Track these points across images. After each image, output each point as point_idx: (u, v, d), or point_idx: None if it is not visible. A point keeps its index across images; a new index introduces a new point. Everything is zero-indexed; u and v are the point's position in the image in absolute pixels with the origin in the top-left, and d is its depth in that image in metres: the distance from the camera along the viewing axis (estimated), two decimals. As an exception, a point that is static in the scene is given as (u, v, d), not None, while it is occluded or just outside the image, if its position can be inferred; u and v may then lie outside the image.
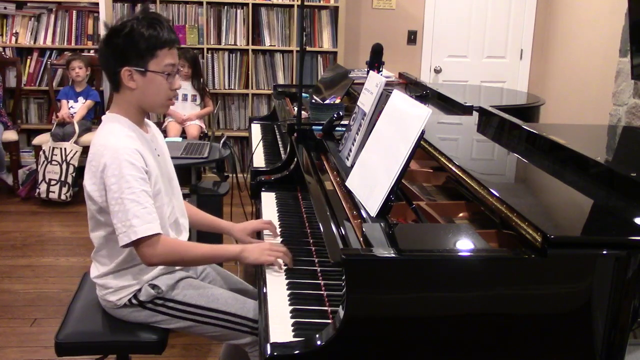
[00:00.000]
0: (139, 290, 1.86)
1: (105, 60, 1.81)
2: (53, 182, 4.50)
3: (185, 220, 1.99)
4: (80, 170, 4.64)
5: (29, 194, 4.71)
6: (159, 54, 1.77)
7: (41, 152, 4.54)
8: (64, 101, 4.73)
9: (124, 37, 1.74)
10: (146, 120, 1.92)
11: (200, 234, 2.76)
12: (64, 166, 4.49)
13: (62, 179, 4.50)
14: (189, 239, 2.02)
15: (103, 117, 1.87)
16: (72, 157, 4.51)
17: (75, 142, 4.56)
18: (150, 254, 1.72)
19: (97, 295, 1.94)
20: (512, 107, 3.21)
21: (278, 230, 2.04)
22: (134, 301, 1.86)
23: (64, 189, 4.51)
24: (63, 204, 4.54)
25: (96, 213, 1.81)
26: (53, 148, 4.51)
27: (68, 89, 4.79)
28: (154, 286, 1.86)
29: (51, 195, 4.51)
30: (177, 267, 1.93)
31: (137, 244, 1.71)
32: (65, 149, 4.50)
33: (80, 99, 4.75)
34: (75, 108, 4.72)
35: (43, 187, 4.51)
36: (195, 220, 2.11)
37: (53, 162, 4.51)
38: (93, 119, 4.92)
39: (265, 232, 2.02)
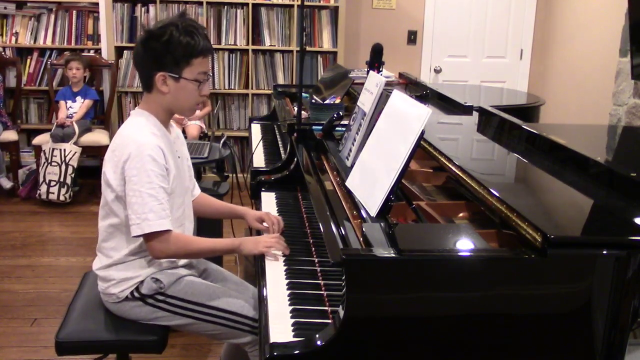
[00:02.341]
0: (141, 282, 1.87)
1: (140, 62, 1.86)
2: (53, 183, 4.51)
3: (190, 224, 2.02)
4: (80, 171, 4.65)
5: (29, 194, 4.71)
6: (194, 63, 1.81)
7: (42, 153, 4.55)
8: (62, 102, 4.73)
9: (162, 43, 1.78)
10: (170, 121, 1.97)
11: (200, 228, 2.77)
12: (63, 167, 4.49)
13: (61, 179, 4.50)
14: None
15: (132, 112, 1.91)
16: (71, 158, 4.51)
17: (75, 143, 4.55)
18: (159, 248, 1.79)
19: (99, 292, 1.95)
20: (512, 107, 3.21)
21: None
22: (135, 294, 1.87)
23: (63, 190, 4.51)
24: (63, 204, 4.54)
25: (111, 201, 1.84)
26: (53, 149, 4.51)
27: (65, 89, 4.78)
28: (156, 280, 1.87)
29: (51, 197, 4.52)
30: (180, 264, 1.96)
31: (148, 237, 1.77)
32: (64, 150, 4.50)
33: (79, 99, 4.74)
34: (74, 108, 4.72)
35: (44, 188, 4.52)
36: (213, 208, 2.18)
37: (53, 163, 4.51)
38: (93, 118, 4.92)
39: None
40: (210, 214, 2.20)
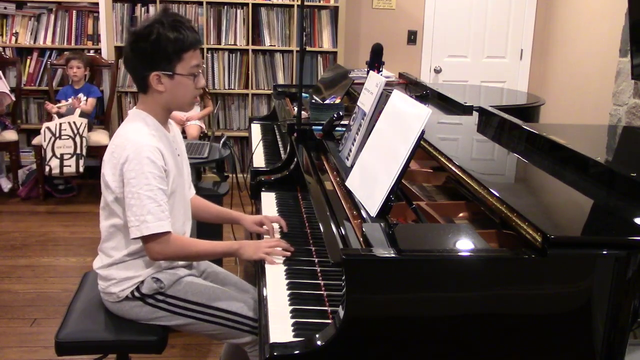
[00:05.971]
0: (142, 282, 1.87)
1: (132, 65, 1.85)
2: (67, 156, 4.36)
3: (189, 222, 2.02)
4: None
5: (29, 194, 4.70)
6: (185, 57, 1.81)
7: (46, 130, 4.39)
8: (63, 101, 4.72)
9: (151, 43, 1.77)
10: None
11: (200, 230, 2.76)
12: (78, 139, 4.39)
13: (78, 151, 4.38)
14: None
15: (130, 112, 1.91)
16: (83, 130, 4.41)
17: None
18: (157, 250, 1.78)
19: (99, 292, 1.95)
20: (512, 107, 3.21)
21: (277, 234, 2.04)
22: (136, 294, 1.87)
23: (81, 162, 4.38)
24: (63, 204, 4.54)
25: (111, 202, 1.84)
26: (61, 124, 4.40)
27: (66, 88, 4.78)
28: (157, 280, 1.87)
29: (66, 170, 4.35)
30: (180, 264, 1.96)
31: (146, 239, 1.77)
32: (74, 122, 4.42)
33: (81, 96, 4.73)
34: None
35: (55, 162, 4.33)
36: (209, 212, 2.16)
37: (63, 137, 4.38)
38: (94, 118, 4.91)
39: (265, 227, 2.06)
40: (205, 217, 2.18)
